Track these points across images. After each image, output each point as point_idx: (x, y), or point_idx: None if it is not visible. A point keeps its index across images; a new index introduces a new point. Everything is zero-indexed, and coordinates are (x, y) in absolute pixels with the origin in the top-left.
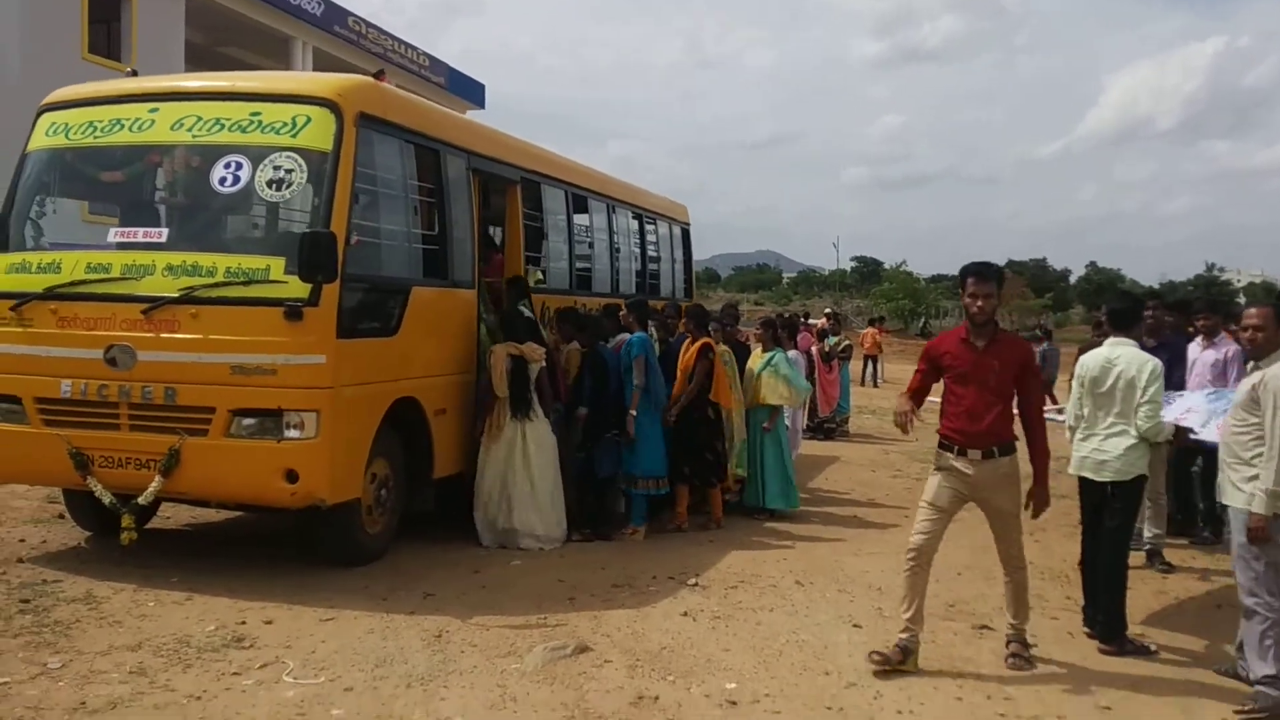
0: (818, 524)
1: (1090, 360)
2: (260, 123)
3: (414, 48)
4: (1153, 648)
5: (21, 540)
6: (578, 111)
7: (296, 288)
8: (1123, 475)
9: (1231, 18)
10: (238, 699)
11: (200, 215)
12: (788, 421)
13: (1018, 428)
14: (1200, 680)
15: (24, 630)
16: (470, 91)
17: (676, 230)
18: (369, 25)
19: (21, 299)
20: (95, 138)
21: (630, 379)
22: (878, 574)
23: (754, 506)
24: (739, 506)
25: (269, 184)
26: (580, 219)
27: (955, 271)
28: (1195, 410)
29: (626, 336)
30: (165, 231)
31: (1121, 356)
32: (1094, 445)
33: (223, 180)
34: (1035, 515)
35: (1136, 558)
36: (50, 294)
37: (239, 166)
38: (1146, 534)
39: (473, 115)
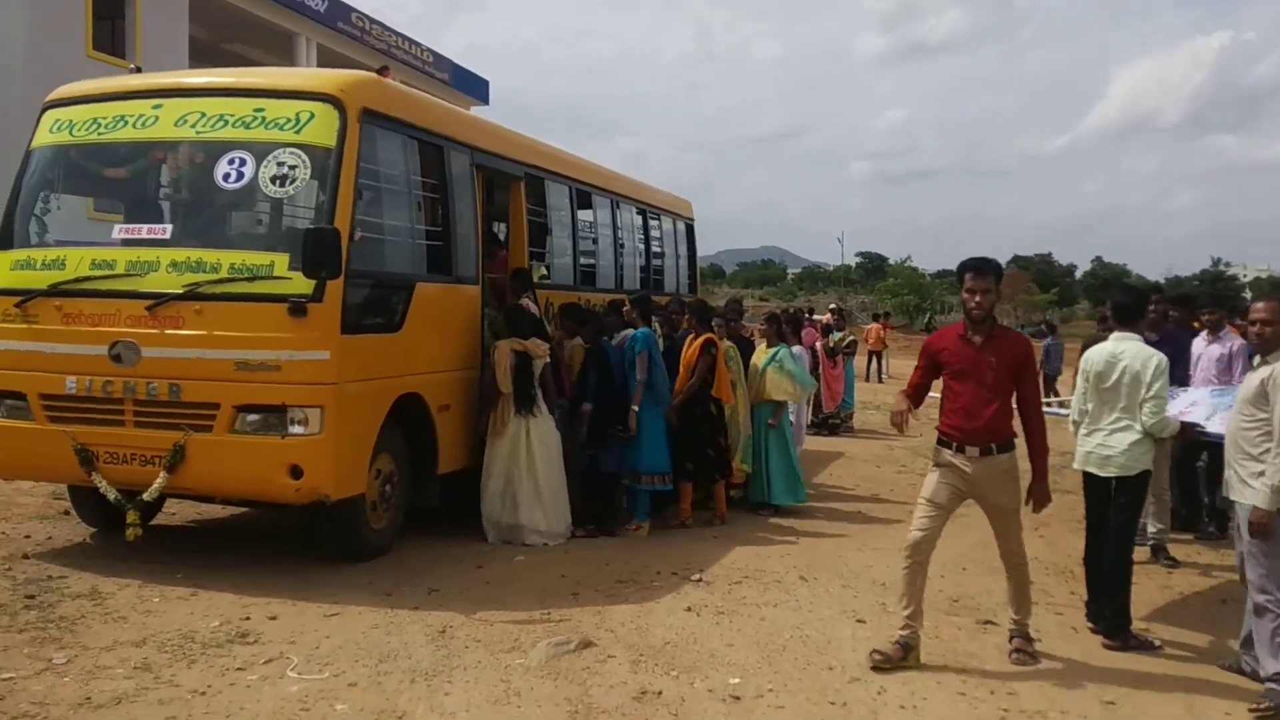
0: (822, 519)
1: (1095, 355)
2: (264, 119)
3: (418, 43)
4: (1157, 643)
5: (27, 536)
6: (583, 106)
7: (300, 284)
8: (1127, 471)
9: (1238, 11)
10: (242, 694)
11: (204, 211)
12: (792, 417)
13: (1017, 425)
14: (1204, 675)
15: (29, 626)
16: (474, 87)
17: (680, 225)
18: (372, 21)
19: (26, 295)
20: (99, 134)
21: (634, 374)
22: (882, 569)
23: (759, 502)
24: (743, 502)
25: (273, 180)
26: (584, 215)
27: None
28: (1200, 404)
29: (630, 332)
30: (169, 228)
31: (1126, 351)
32: (1098, 441)
33: (227, 176)
34: (1036, 511)
35: (1141, 553)
36: (55, 290)
37: (243, 163)
38: (1150, 529)
39: (477, 111)
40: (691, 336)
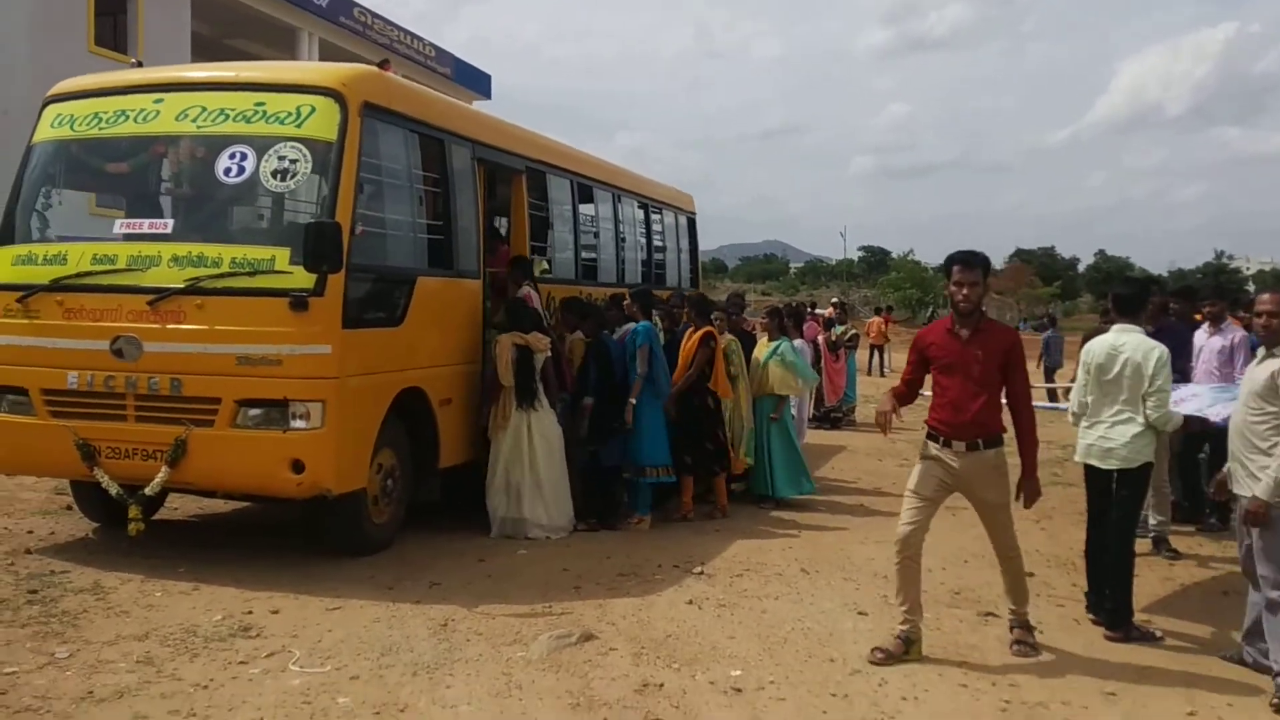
0: (824, 512)
1: (1096, 347)
2: (265, 113)
3: (420, 38)
4: (1158, 634)
5: (30, 531)
6: (584, 102)
7: (302, 278)
8: (1129, 463)
9: (1243, 4)
10: (244, 688)
11: (205, 206)
12: (794, 410)
13: (1007, 419)
14: (1206, 666)
15: (32, 620)
16: (476, 82)
17: (682, 220)
18: (374, 16)
19: (28, 291)
20: (100, 129)
21: (635, 368)
22: (883, 562)
23: (760, 495)
24: (745, 495)
25: (274, 174)
26: (585, 209)
27: None
28: (1200, 395)
29: (632, 326)
30: (170, 222)
31: (1128, 343)
32: (1099, 433)
33: (228, 171)
34: (1027, 506)
35: (1142, 545)
36: (56, 285)
37: (244, 157)
38: (1151, 521)
39: (479, 106)
40: (691, 330)
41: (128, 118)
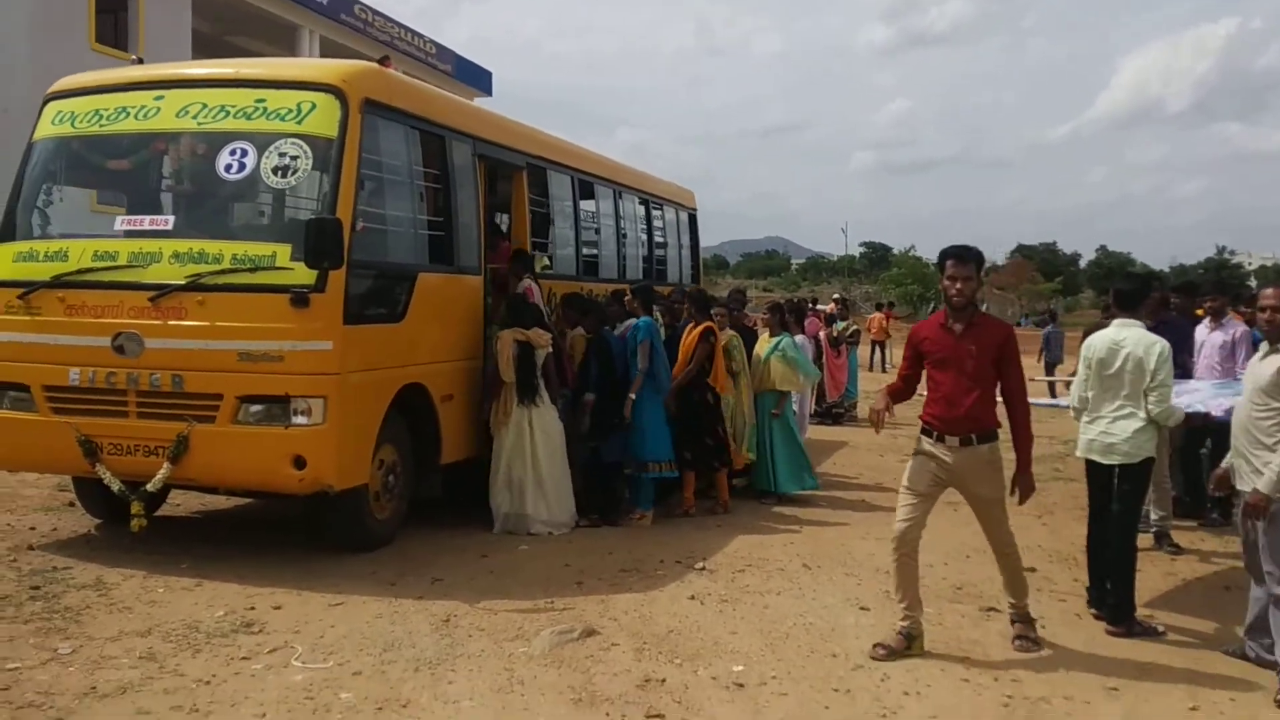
0: (826, 508)
1: (1097, 341)
2: (265, 109)
3: (421, 35)
4: (1161, 629)
5: (32, 528)
6: (585, 99)
7: (303, 274)
8: (1131, 458)
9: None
10: (247, 683)
11: (206, 202)
12: (795, 406)
13: (1003, 415)
14: (1208, 661)
15: (35, 616)
16: (477, 79)
17: (683, 216)
18: (375, 13)
19: (29, 287)
20: (101, 126)
21: (636, 364)
22: (885, 557)
23: (762, 490)
24: (747, 491)
25: (274, 171)
26: (586, 205)
27: None
28: (1200, 390)
29: (633, 321)
30: (171, 219)
31: (1129, 338)
32: (1101, 428)
33: (228, 167)
34: (1021, 502)
35: (1144, 540)
36: (58, 282)
37: (244, 153)
38: (1152, 516)
39: (480, 103)
40: (691, 325)
41: (128, 114)
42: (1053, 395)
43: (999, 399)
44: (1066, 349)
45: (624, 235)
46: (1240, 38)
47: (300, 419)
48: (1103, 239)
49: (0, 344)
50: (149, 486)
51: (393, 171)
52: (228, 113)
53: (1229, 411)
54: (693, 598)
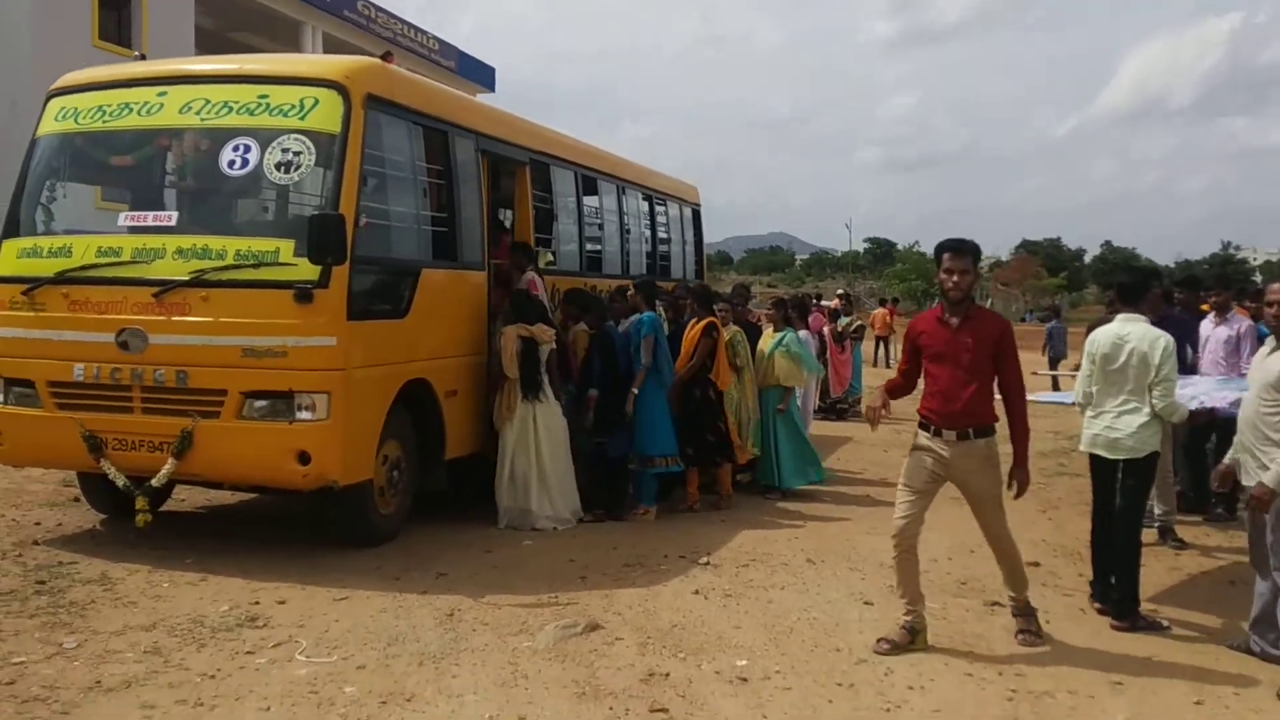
0: (829, 503)
1: (1101, 336)
2: (268, 105)
3: (424, 31)
4: (1165, 624)
5: (37, 523)
6: (589, 94)
7: (306, 270)
8: (1135, 453)
9: None
10: (251, 677)
11: (210, 198)
12: (799, 401)
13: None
14: (1213, 655)
15: (40, 611)
16: (480, 75)
17: (687, 211)
18: (378, 9)
19: (34, 283)
20: (104, 122)
21: (639, 359)
22: (889, 552)
23: (767, 485)
24: (752, 486)
25: (278, 166)
26: (590, 200)
27: None
28: (1203, 385)
29: (637, 316)
30: (175, 215)
31: (1133, 333)
32: (1105, 423)
33: (231, 163)
34: (1017, 496)
35: (1148, 535)
36: (62, 278)
37: (247, 149)
38: (1157, 511)
39: (483, 98)
40: (694, 320)
41: (132, 111)
42: (1056, 389)
43: (997, 394)
44: (1070, 344)
45: (628, 231)
46: (1245, 32)
47: (304, 414)
48: (1107, 235)
49: (5, 340)
50: (154, 482)
51: (396, 167)
52: (231, 109)
53: (1235, 404)
54: (696, 592)
